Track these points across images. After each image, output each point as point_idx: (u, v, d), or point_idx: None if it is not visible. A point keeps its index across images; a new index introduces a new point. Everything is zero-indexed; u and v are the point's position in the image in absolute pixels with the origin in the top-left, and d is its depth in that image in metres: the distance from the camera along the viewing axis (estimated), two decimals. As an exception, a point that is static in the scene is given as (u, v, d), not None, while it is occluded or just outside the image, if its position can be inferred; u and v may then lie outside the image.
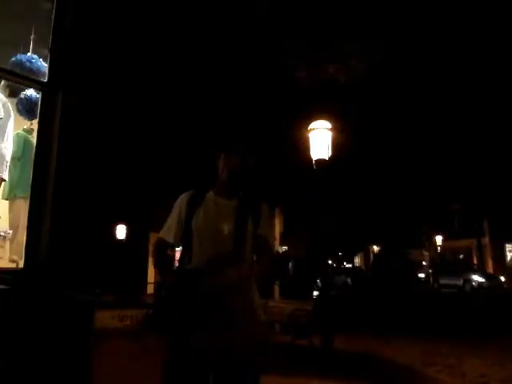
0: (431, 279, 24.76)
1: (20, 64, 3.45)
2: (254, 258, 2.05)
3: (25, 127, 4.12)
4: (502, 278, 22.11)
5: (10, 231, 3.93)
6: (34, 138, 3.72)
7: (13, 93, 3.85)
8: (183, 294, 1.85)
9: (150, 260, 17.43)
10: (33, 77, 3.07)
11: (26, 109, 3.75)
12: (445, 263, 26.66)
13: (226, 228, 1.95)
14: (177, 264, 2.04)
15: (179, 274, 1.96)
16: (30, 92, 3.67)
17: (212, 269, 1.86)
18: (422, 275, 27.21)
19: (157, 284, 2.17)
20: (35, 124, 2.92)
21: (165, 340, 1.88)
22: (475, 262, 27.58)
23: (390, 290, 18.06)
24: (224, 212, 1.99)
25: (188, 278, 1.88)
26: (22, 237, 2.65)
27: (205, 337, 1.81)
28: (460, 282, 21.61)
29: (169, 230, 2.05)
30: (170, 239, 2.03)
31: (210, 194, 2.06)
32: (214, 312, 1.82)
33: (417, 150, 13.30)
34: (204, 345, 1.82)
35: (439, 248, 28.06)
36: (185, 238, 1.99)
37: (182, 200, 2.07)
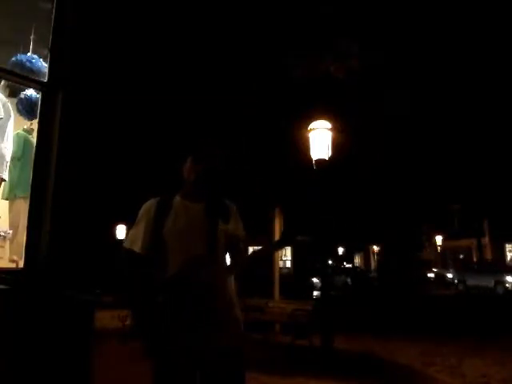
0: (456, 280, 22.92)
1: (20, 64, 3.45)
2: (228, 258, 2.08)
3: (25, 127, 4.12)
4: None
5: (10, 231, 3.93)
6: (33, 138, 3.72)
7: (13, 93, 3.85)
8: (168, 301, 1.87)
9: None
10: (33, 77, 3.07)
11: (26, 109, 3.75)
12: (472, 262, 25.01)
13: (198, 230, 1.95)
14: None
15: (160, 283, 1.93)
16: (30, 92, 3.67)
17: (189, 273, 1.88)
18: (431, 275, 25.96)
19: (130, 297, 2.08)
20: (35, 124, 2.92)
21: (149, 346, 1.89)
22: (475, 262, 27.60)
23: (400, 292, 17.80)
24: (194, 215, 1.97)
25: (170, 284, 1.88)
26: (22, 237, 2.65)
27: (190, 337, 1.85)
28: (491, 283, 19.51)
29: (135, 239, 1.97)
30: (137, 248, 1.94)
31: (177, 199, 2.02)
32: (196, 313, 1.86)
33: (417, 150, 13.30)
34: (189, 345, 1.85)
35: (439, 248, 28.09)
36: (155, 247, 1.94)
37: (148, 208, 2.01)
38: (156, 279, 1.93)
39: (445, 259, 30.89)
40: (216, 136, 2.05)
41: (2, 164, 3.66)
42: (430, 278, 25.23)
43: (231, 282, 2.02)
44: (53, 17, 2.63)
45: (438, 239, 27.27)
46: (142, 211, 2.02)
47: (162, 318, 1.86)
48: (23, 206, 3.62)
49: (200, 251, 1.91)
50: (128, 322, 3.43)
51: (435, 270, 26.68)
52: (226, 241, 2.00)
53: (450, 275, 25.00)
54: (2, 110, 3.63)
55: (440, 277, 25.50)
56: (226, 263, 2.05)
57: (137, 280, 1.96)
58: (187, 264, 1.89)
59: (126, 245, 1.99)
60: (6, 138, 3.69)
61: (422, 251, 26.10)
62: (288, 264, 22.17)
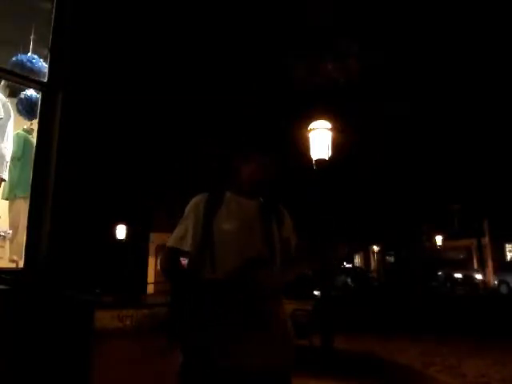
0: (496, 282, 21.13)
1: (21, 64, 3.45)
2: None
3: (25, 127, 4.12)
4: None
5: (10, 231, 3.93)
6: (33, 138, 3.72)
7: (13, 93, 3.85)
8: (210, 308, 1.62)
9: (150, 260, 17.47)
10: (33, 77, 3.07)
11: (26, 109, 3.75)
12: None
13: (254, 229, 1.75)
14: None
15: (203, 285, 1.70)
16: (30, 92, 3.67)
17: (243, 277, 1.65)
18: (459, 275, 24.11)
19: (175, 300, 1.94)
20: (35, 124, 2.92)
21: (188, 358, 1.65)
22: (475, 262, 27.60)
23: (402, 292, 17.48)
24: (248, 212, 1.79)
25: (215, 289, 1.66)
26: (22, 237, 2.65)
27: (238, 351, 1.60)
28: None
29: (183, 236, 1.78)
30: (186, 247, 1.76)
31: (230, 195, 1.85)
32: (248, 326, 1.60)
33: (417, 150, 13.30)
34: (235, 360, 1.59)
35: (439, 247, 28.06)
36: (204, 245, 1.74)
37: (197, 202, 1.83)
38: (204, 280, 1.71)
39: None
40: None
41: (2, 164, 3.66)
42: (458, 278, 23.57)
43: (282, 291, 1.84)
44: (53, 17, 2.63)
45: (438, 239, 27.24)
46: (189, 207, 1.84)
47: (208, 325, 1.61)
48: (23, 206, 3.62)
49: (259, 252, 1.72)
50: (129, 322, 3.43)
51: (458, 271, 24.93)
52: (280, 245, 1.82)
53: (478, 276, 23.50)
54: (2, 110, 3.63)
55: (467, 278, 23.83)
56: (280, 268, 1.83)
57: (183, 280, 1.79)
58: (243, 267, 1.66)
59: (170, 243, 1.80)
60: (5, 137, 3.69)
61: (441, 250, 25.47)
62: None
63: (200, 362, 1.60)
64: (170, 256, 1.81)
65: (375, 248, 33.54)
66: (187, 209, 1.84)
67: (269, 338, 1.64)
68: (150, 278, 17.58)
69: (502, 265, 24.17)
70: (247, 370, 1.60)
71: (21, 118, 3.91)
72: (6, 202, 3.99)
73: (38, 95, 2.97)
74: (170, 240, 1.81)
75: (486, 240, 26.39)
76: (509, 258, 26.64)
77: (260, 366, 1.62)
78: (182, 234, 1.78)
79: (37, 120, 2.59)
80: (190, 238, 1.76)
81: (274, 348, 1.65)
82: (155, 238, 17.29)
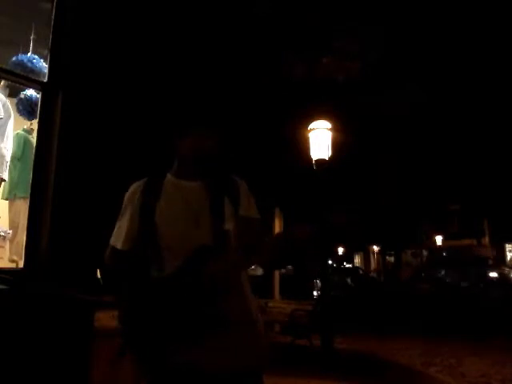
0: None
1: (21, 64, 3.45)
2: (240, 248, 1.62)
3: (25, 127, 4.13)
4: None
5: (10, 231, 3.93)
6: (33, 138, 3.73)
7: (13, 93, 3.85)
8: (166, 305, 1.44)
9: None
10: (34, 77, 3.07)
11: (26, 109, 3.75)
12: None
13: (200, 215, 1.53)
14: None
15: (151, 286, 1.50)
16: (30, 92, 3.67)
17: (190, 271, 1.46)
18: (494, 274, 20.98)
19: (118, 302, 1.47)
20: (35, 124, 2.92)
21: (140, 361, 1.53)
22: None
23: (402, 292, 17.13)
24: (192, 196, 1.56)
25: (161, 288, 1.47)
26: (22, 237, 2.65)
27: (193, 353, 1.44)
28: None
29: (119, 234, 1.57)
30: (119, 245, 1.55)
31: (169, 179, 1.61)
32: (203, 321, 1.44)
33: (417, 150, 13.30)
34: (192, 363, 1.44)
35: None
36: (144, 240, 1.54)
37: (133, 192, 1.60)
38: (149, 278, 1.53)
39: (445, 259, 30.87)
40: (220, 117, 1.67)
41: (2, 164, 3.67)
42: (493, 278, 20.30)
43: (246, 279, 1.62)
44: (53, 17, 2.63)
45: (438, 239, 27.24)
46: (125, 198, 1.62)
47: (158, 326, 1.45)
48: (23, 206, 3.63)
49: (205, 240, 1.50)
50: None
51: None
52: (237, 226, 1.57)
53: (494, 274, 20.21)
54: (2, 109, 3.63)
55: (503, 277, 20.40)
56: (238, 255, 1.61)
57: (124, 280, 1.58)
58: (189, 258, 1.47)
59: (111, 241, 1.61)
60: (5, 138, 3.70)
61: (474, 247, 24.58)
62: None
63: (150, 360, 1.48)
64: (108, 256, 1.62)
65: (375, 248, 33.54)
66: (124, 200, 1.62)
67: (224, 336, 1.46)
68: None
69: (502, 265, 24.21)
70: (200, 368, 1.44)
71: (21, 118, 3.91)
72: (6, 202, 4.00)
73: (38, 95, 2.97)
74: (112, 238, 1.62)
75: (486, 240, 26.38)
76: (509, 257, 26.64)
77: (216, 366, 1.45)
78: (118, 230, 1.59)
79: (37, 120, 2.59)
80: (124, 234, 1.55)
81: (231, 347, 1.46)
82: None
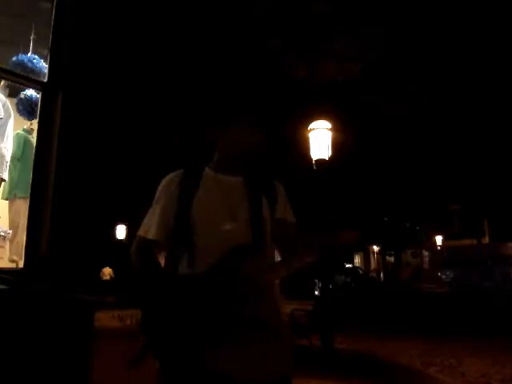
0: None
1: (21, 64, 3.45)
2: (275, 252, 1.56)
3: (25, 127, 4.13)
4: None
5: (10, 231, 3.93)
6: (33, 138, 3.73)
7: (13, 93, 3.85)
8: (192, 311, 1.34)
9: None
10: (34, 77, 3.07)
11: (26, 109, 3.75)
12: None
13: (239, 212, 1.45)
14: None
15: (179, 283, 1.41)
16: (30, 92, 3.67)
17: (226, 270, 1.36)
18: None
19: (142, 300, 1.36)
20: (35, 124, 2.92)
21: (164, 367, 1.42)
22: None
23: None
24: (232, 192, 1.49)
25: (192, 286, 1.37)
26: (22, 237, 2.65)
27: (223, 359, 1.34)
28: None
29: (150, 224, 1.50)
30: (150, 235, 1.47)
31: (208, 172, 1.54)
32: (234, 325, 1.34)
33: (417, 150, 13.30)
34: (221, 370, 1.34)
35: (439, 248, 28.05)
36: (178, 233, 1.45)
37: (168, 182, 1.53)
38: (179, 276, 1.43)
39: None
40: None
41: (2, 164, 3.67)
42: None
43: (277, 284, 1.56)
44: (53, 17, 2.63)
45: (438, 239, 27.24)
46: (160, 188, 1.54)
47: (185, 328, 1.35)
48: (23, 206, 3.63)
49: (243, 239, 1.41)
50: (129, 322, 3.42)
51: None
52: (273, 228, 1.50)
53: None
54: (2, 109, 3.63)
55: None
56: (273, 258, 1.55)
57: (150, 277, 1.49)
58: (226, 256, 1.37)
59: (139, 233, 1.53)
60: (5, 137, 3.70)
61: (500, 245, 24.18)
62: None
63: (176, 369, 1.38)
64: (136, 248, 1.53)
65: (375, 248, 33.53)
66: (158, 189, 1.55)
67: (258, 342, 1.37)
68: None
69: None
70: (230, 377, 1.34)
71: (21, 118, 3.91)
72: (6, 202, 4.00)
73: (38, 95, 2.97)
74: (140, 228, 1.53)
75: (486, 240, 26.37)
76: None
77: (247, 374, 1.35)
78: (149, 220, 1.51)
79: (37, 120, 2.59)
80: (155, 224, 1.48)
81: (263, 354, 1.38)
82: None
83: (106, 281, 11.58)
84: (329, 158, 5.84)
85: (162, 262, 1.53)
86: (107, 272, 11.73)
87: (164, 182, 1.55)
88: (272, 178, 1.61)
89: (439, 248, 26.65)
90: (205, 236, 1.43)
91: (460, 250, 23.57)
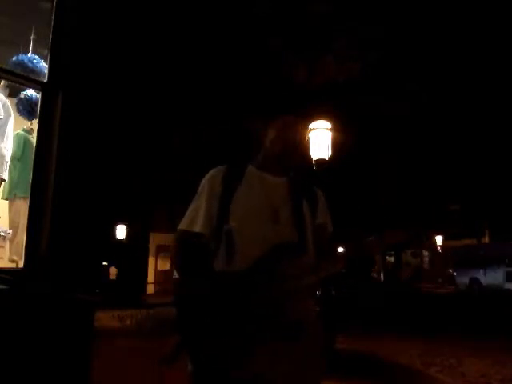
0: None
1: (22, 64, 3.45)
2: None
3: (25, 127, 4.13)
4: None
5: (10, 231, 3.93)
6: (33, 138, 3.73)
7: (13, 93, 3.85)
8: (226, 309, 1.29)
9: (150, 260, 17.50)
10: (34, 77, 3.07)
11: (26, 109, 3.75)
12: None
13: (282, 212, 1.43)
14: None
15: (218, 280, 1.37)
16: (30, 92, 3.67)
17: (267, 269, 1.31)
18: None
19: (181, 297, 1.36)
20: (35, 124, 2.92)
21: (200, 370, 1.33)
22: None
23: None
24: (274, 191, 1.47)
25: (230, 284, 1.33)
26: (22, 237, 2.65)
27: (257, 365, 1.28)
28: None
29: (195, 217, 1.46)
30: (197, 228, 1.43)
31: (251, 169, 1.52)
32: (271, 332, 1.29)
33: (417, 150, 13.30)
34: (256, 376, 1.28)
35: (439, 248, 28.07)
36: (218, 228, 1.42)
37: (213, 177, 1.51)
38: (220, 274, 1.40)
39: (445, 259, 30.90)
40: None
41: (2, 164, 3.67)
42: None
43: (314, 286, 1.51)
44: (53, 17, 2.63)
45: (438, 239, 27.24)
46: (203, 182, 1.52)
47: (221, 329, 1.28)
48: (23, 206, 3.63)
49: (285, 238, 1.39)
50: (129, 322, 3.43)
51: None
52: (313, 232, 1.49)
53: None
54: (2, 109, 3.63)
55: None
56: (314, 261, 1.50)
57: (195, 272, 1.42)
58: (269, 255, 1.33)
59: (181, 226, 1.48)
60: (5, 138, 3.70)
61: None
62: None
63: (211, 372, 1.31)
64: (180, 241, 1.49)
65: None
66: (201, 184, 1.53)
67: (296, 348, 1.33)
68: (150, 277, 17.58)
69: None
70: (271, 381, 1.30)
71: (21, 118, 3.91)
72: (6, 202, 4.00)
73: (38, 95, 2.97)
74: (182, 222, 1.49)
75: (486, 240, 26.38)
76: (509, 258, 26.57)
77: (283, 380, 1.31)
78: (194, 213, 1.47)
79: (37, 120, 2.59)
80: (202, 217, 1.44)
81: (301, 360, 1.34)
82: (155, 238, 17.31)
83: (112, 280, 11.63)
84: (329, 158, 5.84)
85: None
86: (113, 272, 11.77)
87: (207, 177, 1.53)
88: (313, 185, 1.61)
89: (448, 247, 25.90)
90: (244, 233, 1.40)
91: (480, 248, 22.56)
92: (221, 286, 1.34)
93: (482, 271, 19.85)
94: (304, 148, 1.60)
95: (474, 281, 20.13)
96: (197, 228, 1.44)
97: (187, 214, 1.50)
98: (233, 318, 1.28)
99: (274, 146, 1.52)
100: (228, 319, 1.29)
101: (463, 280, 21.14)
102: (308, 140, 6.01)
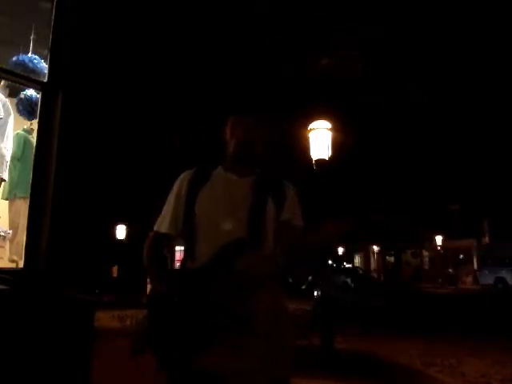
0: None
1: (22, 64, 3.45)
2: (278, 251, 1.57)
3: (25, 127, 4.12)
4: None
5: (10, 231, 3.93)
6: (33, 138, 3.73)
7: (13, 93, 3.85)
8: (185, 304, 1.37)
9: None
10: (35, 77, 3.07)
11: (26, 109, 3.75)
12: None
13: (241, 211, 1.49)
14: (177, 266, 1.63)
15: (180, 276, 1.49)
16: (30, 92, 3.67)
17: (219, 265, 1.40)
18: None
19: (149, 297, 1.50)
20: (35, 124, 2.92)
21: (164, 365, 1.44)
22: (475, 261, 27.61)
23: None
24: (237, 191, 1.54)
25: (190, 280, 1.41)
26: (22, 237, 2.65)
27: (218, 358, 1.35)
28: None
29: (163, 219, 1.59)
30: (163, 228, 1.56)
31: (219, 171, 1.60)
32: (227, 323, 1.35)
33: (417, 150, 13.30)
34: (216, 371, 1.35)
35: (439, 248, 28.07)
36: (186, 228, 1.52)
37: (181, 180, 1.61)
38: (182, 271, 1.51)
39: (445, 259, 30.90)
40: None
41: (2, 164, 3.67)
42: None
43: (277, 278, 1.55)
44: (53, 17, 2.63)
45: (438, 239, 27.25)
46: (174, 185, 1.62)
47: (183, 323, 1.35)
48: (23, 206, 3.63)
49: (240, 234, 1.45)
50: (129, 322, 3.42)
51: None
52: (278, 230, 1.53)
53: None
54: (2, 109, 3.63)
55: None
56: (275, 257, 1.55)
57: (157, 269, 1.53)
58: (222, 250, 1.41)
59: (155, 227, 1.61)
60: (5, 137, 3.70)
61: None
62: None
63: (173, 366, 1.40)
64: (152, 242, 1.60)
65: (375, 248, 33.53)
66: (172, 187, 1.64)
67: (254, 343, 1.37)
68: (150, 278, 17.56)
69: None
70: (227, 374, 1.36)
71: (21, 118, 3.91)
72: (6, 202, 4.00)
73: (38, 95, 2.97)
74: (156, 223, 1.62)
75: (485, 240, 26.39)
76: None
77: (243, 371, 1.36)
78: (162, 214, 1.60)
79: (37, 120, 2.59)
80: (168, 218, 1.57)
81: (260, 355, 1.38)
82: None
83: (114, 278, 11.65)
84: (329, 158, 5.84)
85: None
86: (115, 270, 11.81)
87: (178, 179, 1.63)
88: (283, 180, 1.64)
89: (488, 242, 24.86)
90: (205, 232, 1.49)
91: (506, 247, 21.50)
92: (178, 282, 1.44)
93: (506, 271, 19.60)
94: (269, 146, 1.61)
95: (500, 280, 19.89)
96: (163, 229, 1.57)
97: (160, 215, 1.62)
98: (190, 312, 1.36)
99: (229, 146, 1.60)
100: (186, 313, 1.36)
101: (487, 280, 20.89)
102: (308, 140, 6.02)
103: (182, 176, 1.62)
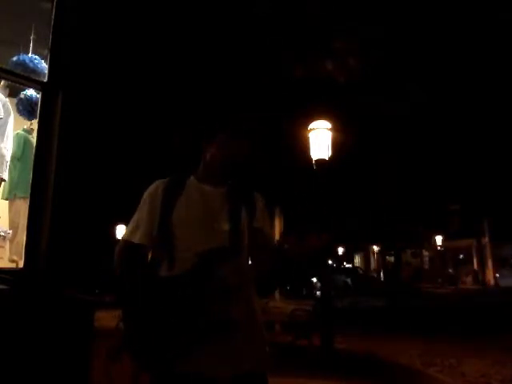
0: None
1: (23, 64, 3.45)
2: (250, 257, 1.68)
3: (25, 127, 4.12)
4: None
5: (10, 231, 3.93)
6: (33, 138, 3.73)
7: (13, 93, 3.85)
8: (167, 311, 1.41)
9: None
10: (35, 77, 3.07)
11: (26, 109, 3.75)
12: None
13: (218, 220, 1.55)
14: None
15: (158, 285, 1.48)
16: (30, 92, 3.67)
17: (200, 272, 1.44)
18: None
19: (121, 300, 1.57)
20: (35, 124, 2.92)
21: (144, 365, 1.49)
22: (475, 261, 27.62)
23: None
24: (212, 201, 1.59)
25: (168, 287, 1.45)
26: (22, 237, 2.65)
27: (200, 359, 1.42)
28: None
29: (135, 228, 1.58)
30: (136, 239, 1.56)
31: (192, 181, 1.64)
32: (211, 326, 1.42)
33: (417, 150, 13.30)
34: (198, 369, 1.42)
35: (439, 248, 28.06)
36: (161, 237, 1.55)
37: (154, 190, 1.62)
38: (157, 277, 1.52)
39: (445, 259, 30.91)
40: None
41: (2, 164, 3.67)
42: None
43: (252, 282, 1.63)
44: (53, 17, 2.63)
45: (438, 239, 27.23)
46: (145, 194, 1.64)
47: (161, 328, 1.42)
48: (23, 206, 3.63)
49: (220, 243, 1.51)
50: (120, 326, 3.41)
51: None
52: (250, 237, 1.61)
53: None
54: (2, 109, 3.63)
55: None
56: (249, 264, 1.66)
57: (132, 279, 1.53)
58: (203, 258, 1.46)
59: (123, 236, 1.62)
60: (5, 137, 3.70)
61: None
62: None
63: (154, 369, 1.45)
64: (122, 250, 1.59)
65: (375, 248, 33.54)
66: (144, 196, 1.64)
67: (232, 340, 1.45)
68: (150, 278, 17.57)
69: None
70: (210, 376, 1.43)
71: (21, 118, 3.91)
72: (6, 202, 3.99)
73: (38, 95, 2.97)
74: (125, 232, 1.62)
75: (485, 240, 26.40)
76: (509, 257, 26.61)
77: (224, 372, 1.44)
78: (135, 224, 1.60)
79: (37, 120, 2.59)
80: (142, 229, 1.57)
81: (239, 351, 1.46)
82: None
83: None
84: (329, 158, 5.84)
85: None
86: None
87: (149, 188, 1.65)
88: (253, 190, 1.71)
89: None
90: (183, 240, 1.53)
91: None
92: (158, 290, 1.46)
93: None
94: (243, 159, 1.66)
95: None
96: (136, 239, 1.57)
97: (129, 224, 1.62)
98: (169, 319, 1.41)
99: (213, 160, 1.63)
100: (165, 320, 1.41)
101: (507, 281, 20.82)
102: (308, 140, 6.02)
103: (155, 185, 1.64)
